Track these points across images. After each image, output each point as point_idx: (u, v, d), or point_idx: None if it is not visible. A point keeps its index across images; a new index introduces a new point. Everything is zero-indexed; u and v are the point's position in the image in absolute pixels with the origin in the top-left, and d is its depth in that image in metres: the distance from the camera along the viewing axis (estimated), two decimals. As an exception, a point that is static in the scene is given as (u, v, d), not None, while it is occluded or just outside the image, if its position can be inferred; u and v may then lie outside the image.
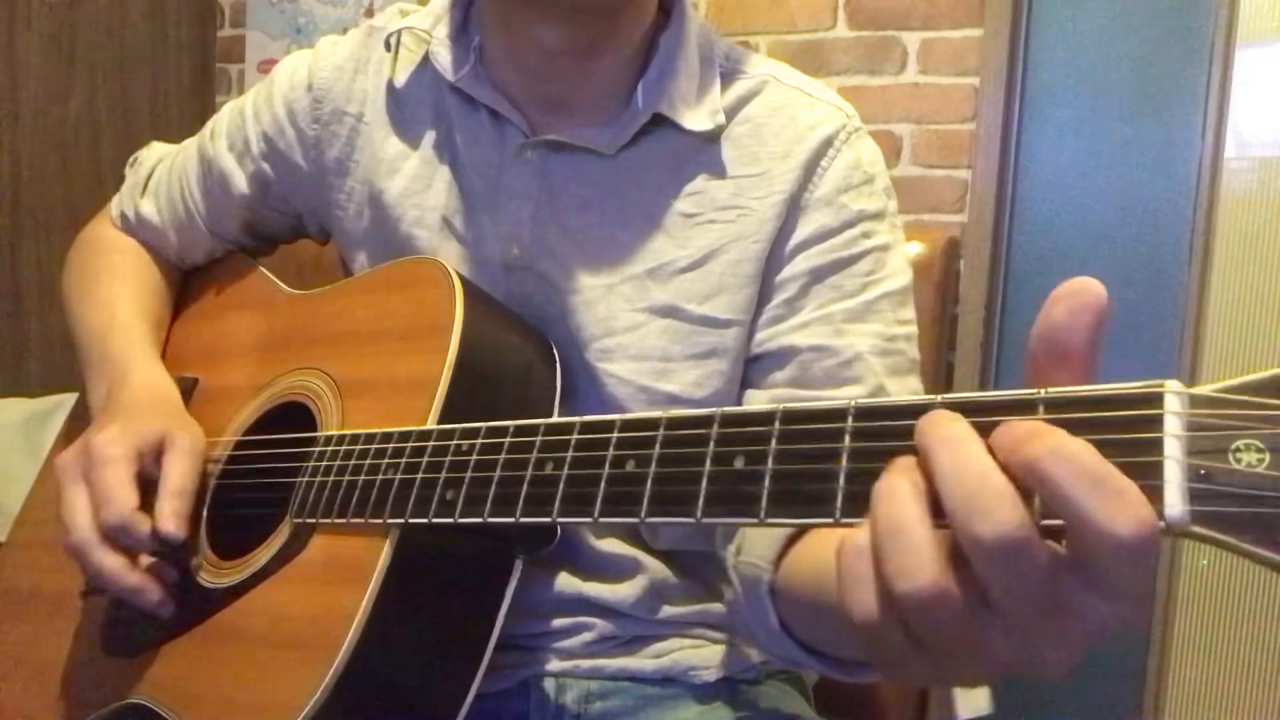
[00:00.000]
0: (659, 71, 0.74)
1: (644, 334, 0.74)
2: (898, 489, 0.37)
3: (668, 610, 0.77)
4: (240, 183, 0.86)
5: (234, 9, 2.64)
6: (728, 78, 0.77)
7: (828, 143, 0.75)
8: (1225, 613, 1.86)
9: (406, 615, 0.60)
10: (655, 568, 0.76)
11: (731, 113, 0.76)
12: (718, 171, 0.75)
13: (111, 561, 0.66)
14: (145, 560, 0.69)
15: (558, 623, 0.75)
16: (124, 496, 0.66)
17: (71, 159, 2.29)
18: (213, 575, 0.69)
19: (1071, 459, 0.34)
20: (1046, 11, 1.98)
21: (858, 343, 0.71)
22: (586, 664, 0.75)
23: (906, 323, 0.75)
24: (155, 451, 0.70)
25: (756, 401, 0.72)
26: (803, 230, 0.74)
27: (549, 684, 0.74)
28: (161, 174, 0.92)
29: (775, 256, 0.74)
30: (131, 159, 0.97)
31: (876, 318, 0.73)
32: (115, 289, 0.87)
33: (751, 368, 0.75)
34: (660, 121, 0.74)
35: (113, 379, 0.79)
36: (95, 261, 0.92)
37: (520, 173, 0.76)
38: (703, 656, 0.77)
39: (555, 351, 0.73)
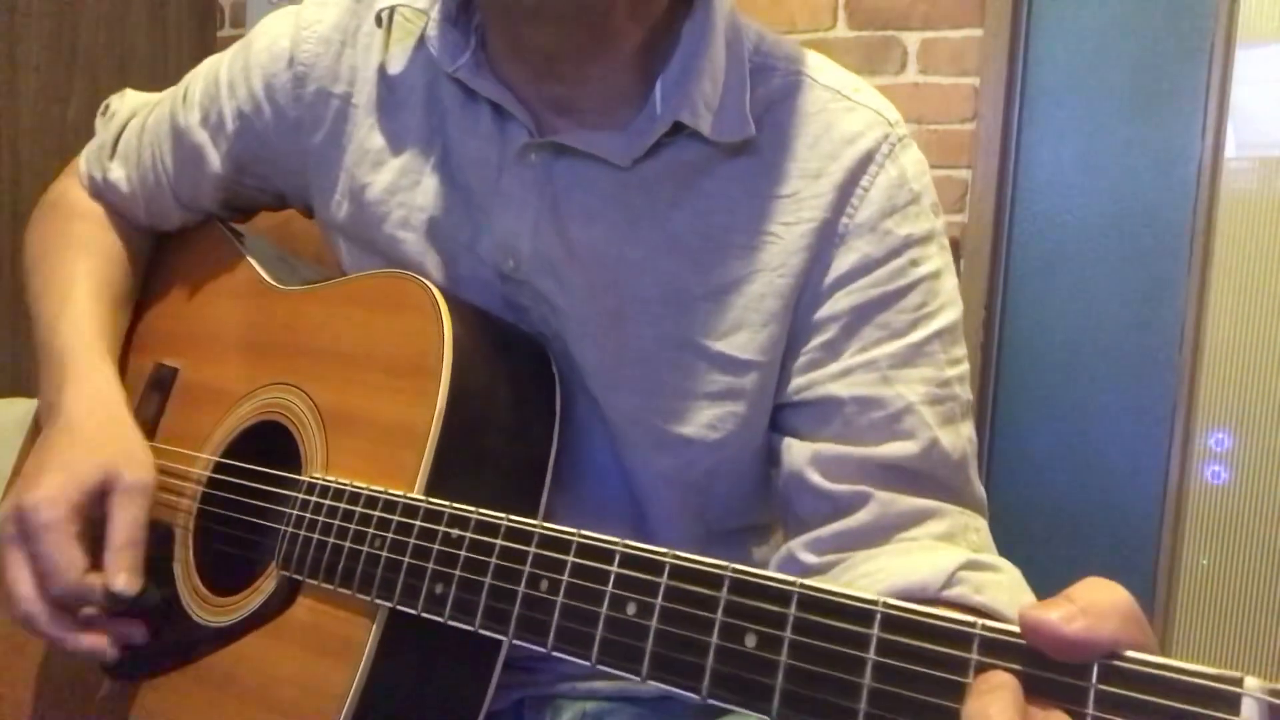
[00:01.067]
0: (680, 71, 0.64)
1: (654, 369, 0.67)
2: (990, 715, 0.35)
3: None
4: (214, 160, 0.78)
5: (234, 9, 2.64)
6: (757, 75, 0.68)
7: (868, 159, 0.66)
8: (1225, 613, 1.86)
9: (397, 691, 0.59)
10: None
11: (760, 119, 0.66)
12: (743, 189, 0.66)
13: (63, 633, 0.64)
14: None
15: None
16: (67, 563, 0.63)
17: (71, 159, 2.29)
18: (203, 611, 0.67)
19: None
20: (1046, 11, 1.98)
21: (907, 392, 0.64)
22: (583, 684, 0.73)
23: (958, 362, 0.67)
24: (97, 496, 0.66)
25: (799, 453, 0.66)
26: (842, 262, 0.65)
27: (545, 704, 0.73)
28: (132, 135, 0.84)
29: (809, 292, 0.66)
30: (103, 106, 0.89)
31: (927, 361, 0.65)
32: (74, 267, 0.81)
33: (791, 415, 0.68)
34: (680, 128, 0.65)
35: (54, 384, 0.74)
36: (56, 230, 0.85)
37: (521, 177, 0.68)
38: None
39: (555, 368, 0.68)
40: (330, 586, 0.59)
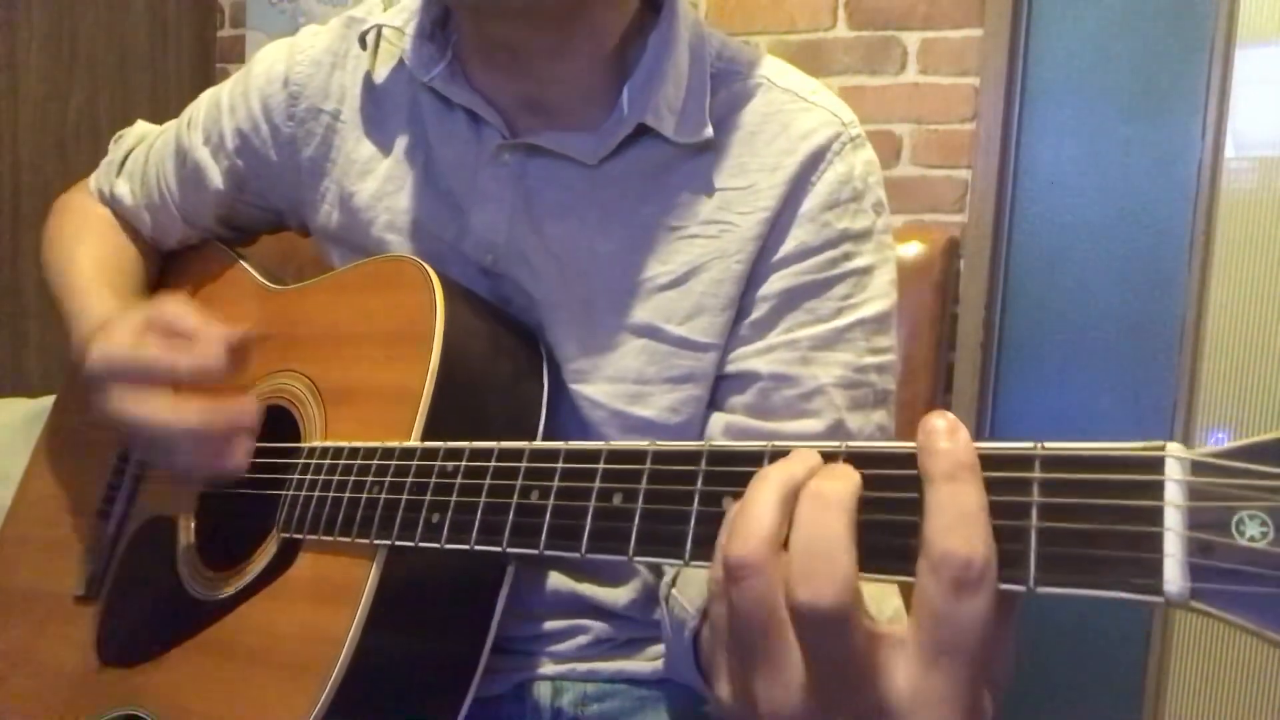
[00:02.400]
0: (646, 76, 0.69)
1: (620, 354, 0.70)
2: (764, 483, 0.39)
3: None
4: (215, 178, 0.83)
5: (234, 9, 2.64)
6: (719, 79, 0.72)
7: (819, 155, 0.70)
8: (1225, 613, 1.86)
9: (397, 634, 0.59)
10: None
11: (721, 120, 0.71)
12: (704, 183, 0.70)
13: (213, 412, 0.63)
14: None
15: (553, 625, 0.74)
16: (170, 354, 0.64)
17: (71, 159, 2.29)
18: (203, 586, 0.68)
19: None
20: (1046, 11, 1.98)
21: (821, 374, 0.68)
22: (582, 666, 0.74)
23: (880, 352, 0.71)
24: (152, 329, 0.67)
25: (715, 425, 0.70)
26: (783, 248, 0.69)
27: (545, 687, 0.74)
28: (139, 157, 0.90)
29: (755, 275, 0.70)
30: (116, 136, 0.94)
31: (847, 347, 0.69)
32: (77, 252, 0.85)
33: (717, 387, 0.71)
34: (646, 129, 0.69)
35: (74, 335, 0.76)
36: (73, 226, 0.89)
37: (496, 176, 0.72)
38: None
39: (543, 349, 0.71)
40: (330, 538, 0.60)
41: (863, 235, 0.71)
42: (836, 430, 0.68)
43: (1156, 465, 0.34)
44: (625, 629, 0.75)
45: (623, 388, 0.70)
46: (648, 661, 0.75)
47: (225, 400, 0.64)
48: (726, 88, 0.72)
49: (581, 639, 0.74)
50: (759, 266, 0.70)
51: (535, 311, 0.72)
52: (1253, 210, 1.81)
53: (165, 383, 0.64)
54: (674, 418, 0.70)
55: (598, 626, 0.75)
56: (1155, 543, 0.34)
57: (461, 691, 0.63)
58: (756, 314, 0.70)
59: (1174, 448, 0.34)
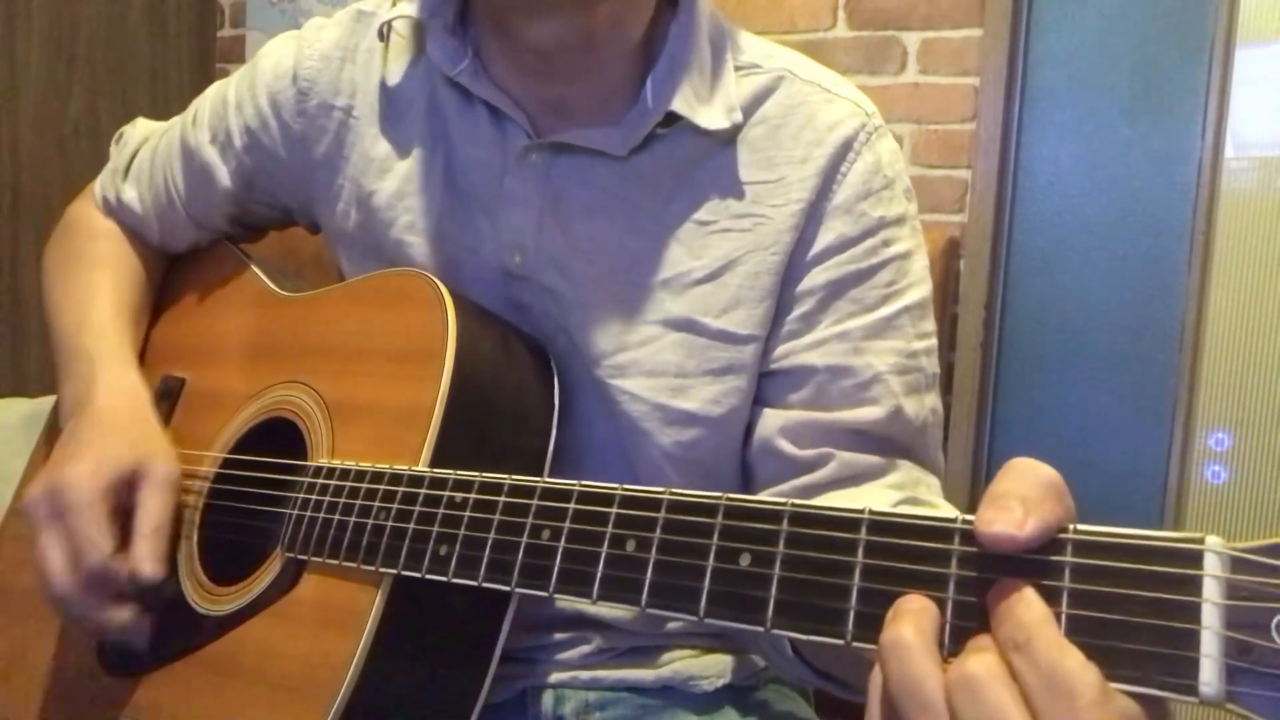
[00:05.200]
0: (668, 65, 0.69)
1: (658, 348, 0.70)
2: (904, 640, 0.37)
3: (670, 625, 0.76)
4: (223, 177, 0.81)
5: (234, 9, 2.64)
6: (741, 71, 0.72)
7: (847, 146, 0.70)
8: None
9: (400, 661, 0.59)
10: None
11: (747, 111, 0.71)
12: (733, 176, 0.70)
13: (94, 612, 0.66)
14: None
15: (557, 636, 0.74)
16: (100, 541, 0.65)
17: (71, 159, 2.30)
18: (206, 602, 0.68)
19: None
20: (1046, 11, 1.98)
21: (876, 362, 0.68)
22: (585, 675, 0.74)
23: (926, 336, 0.71)
24: (128, 484, 0.68)
25: (771, 421, 0.69)
26: (821, 240, 0.69)
27: (547, 695, 0.74)
28: (144, 158, 0.87)
29: (794, 268, 0.70)
30: (117, 135, 0.92)
31: (896, 334, 0.69)
32: (94, 280, 0.83)
33: (767, 384, 0.71)
34: (672, 121, 0.69)
35: (83, 379, 0.75)
36: (76, 247, 0.87)
37: (523, 177, 0.71)
38: (703, 665, 0.76)
39: (554, 366, 0.70)
40: (335, 562, 0.60)
41: (898, 221, 0.71)
42: (896, 417, 0.68)
43: (1195, 559, 0.33)
44: (629, 639, 0.75)
45: (663, 381, 0.70)
46: (651, 670, 0.75)
47: (109, 615, 0.66)
48: (749, 79, 0.72)
49: (585, 648, 0.74)
50: (796, 259, 0.70)
51: (564, 311, 0.71)
52: (1253, 210, 1.81)
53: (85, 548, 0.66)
54: (716, 409, 0.70)
55: (600, 639, 0.74)
56: (1192, 641, 0.33)
57: (465, 712, 0.62)
58: (803, 308, 0.70)
59: (1213, 541, 0.33)
